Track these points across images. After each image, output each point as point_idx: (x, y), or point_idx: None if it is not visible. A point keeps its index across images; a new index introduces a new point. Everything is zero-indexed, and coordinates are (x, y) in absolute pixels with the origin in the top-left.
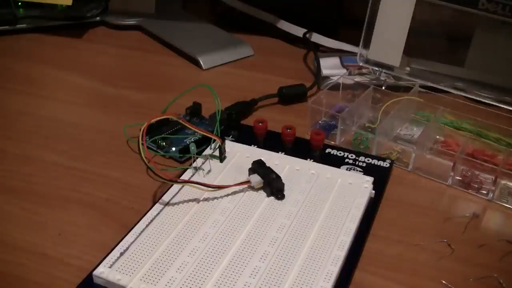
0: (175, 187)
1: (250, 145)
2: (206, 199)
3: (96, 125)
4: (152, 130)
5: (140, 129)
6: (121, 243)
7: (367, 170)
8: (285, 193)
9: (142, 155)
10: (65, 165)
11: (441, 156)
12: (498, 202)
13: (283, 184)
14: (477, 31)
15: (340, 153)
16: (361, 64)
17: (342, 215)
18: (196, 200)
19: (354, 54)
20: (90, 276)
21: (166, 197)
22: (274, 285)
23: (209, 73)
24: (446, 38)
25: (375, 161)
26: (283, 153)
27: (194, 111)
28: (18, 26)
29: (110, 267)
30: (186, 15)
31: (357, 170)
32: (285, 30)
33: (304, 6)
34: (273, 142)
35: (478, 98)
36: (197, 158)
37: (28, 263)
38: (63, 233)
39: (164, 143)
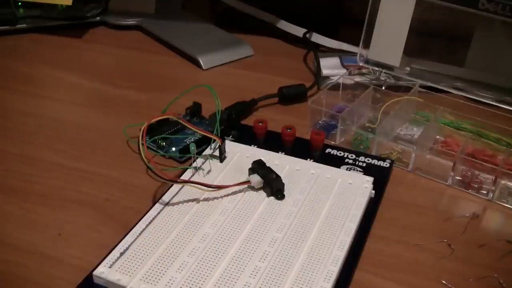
0: (175, 187)
1: (250, 145)
2: (206, 199)
3: (96, 125)
4: (152, 130)
5: (140, 129)
6: (121, 243)
7: (367, 170)
8: (285, 193)
9: (142, 155)
10: (65, 165)
11: (441, 156)
12: (498, 202)
13: (283, 184)
14: (477, 31)
15: (340, 153)
16: (361, 64)
17: (342, 215)
18: (196, 200)
19: (354, 54)
20: (90, 276)
21: (166, 197)
22: (274, 285)
23: (209, 73)
24: (446, 38)
25: (375, 161)
26: (283, 153)
27: (194, 111)
28: (18, 26)
29: (110, 267)
30: (186, 15)
31: (357, 170)
32: (285, 30)
33: (304, 6)
34: (273, 142)
35: (478, 98)
36: (197, 158)
37: (28, 263)
38: (63, 233)
39: (164, 143)
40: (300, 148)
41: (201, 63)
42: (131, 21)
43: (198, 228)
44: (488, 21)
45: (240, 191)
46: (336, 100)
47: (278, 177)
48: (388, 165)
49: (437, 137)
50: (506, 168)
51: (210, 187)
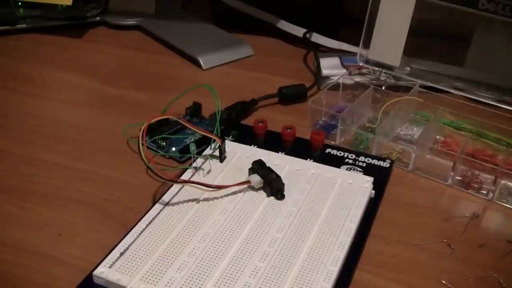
0: (175, 187)
1: (250, 145)
2: (206, 199)
3: (96, 125)
4: (152, 130)
5: (140, 129)
6: (121, 243)
7: (367, 170)
8: (285, 193)
9: (142, 155)
10: (65, 165)
11: (441, 156)
12: (498, 202)
13: (283, 184)
14: (477, 31)
15: (340, 153)
16: (361, 64)
17: (342, 215)
18: (196, 200)
19: (354, 54)
20: (90, 276)
21: (166, 197)
22: (274, 285)
23: (209, 73)
24: (446, 38)
25: (375, 161)
26: (283, 153)
27: (194, 111)
28: (18, 26)
29: (110, 267)
30: (186, 15)
31: (357, 170)
32: (285, 30)
33: (304, 6)
34: (273, 142)
35: (478, 98)
36: (197, 158)
37: (28, 263)
38: (63, 233)
39: (164, 143)
40: (300, 148)
41: (201, 63)
42: (131, 21)
43: (198, 228)
44: (488, 21)
45: (240, 191)
46: (336, 100)
47: (278, 177)
48: (388, 165)
49: (437, 137)
50: (506, 168)
51: (210, 187)
